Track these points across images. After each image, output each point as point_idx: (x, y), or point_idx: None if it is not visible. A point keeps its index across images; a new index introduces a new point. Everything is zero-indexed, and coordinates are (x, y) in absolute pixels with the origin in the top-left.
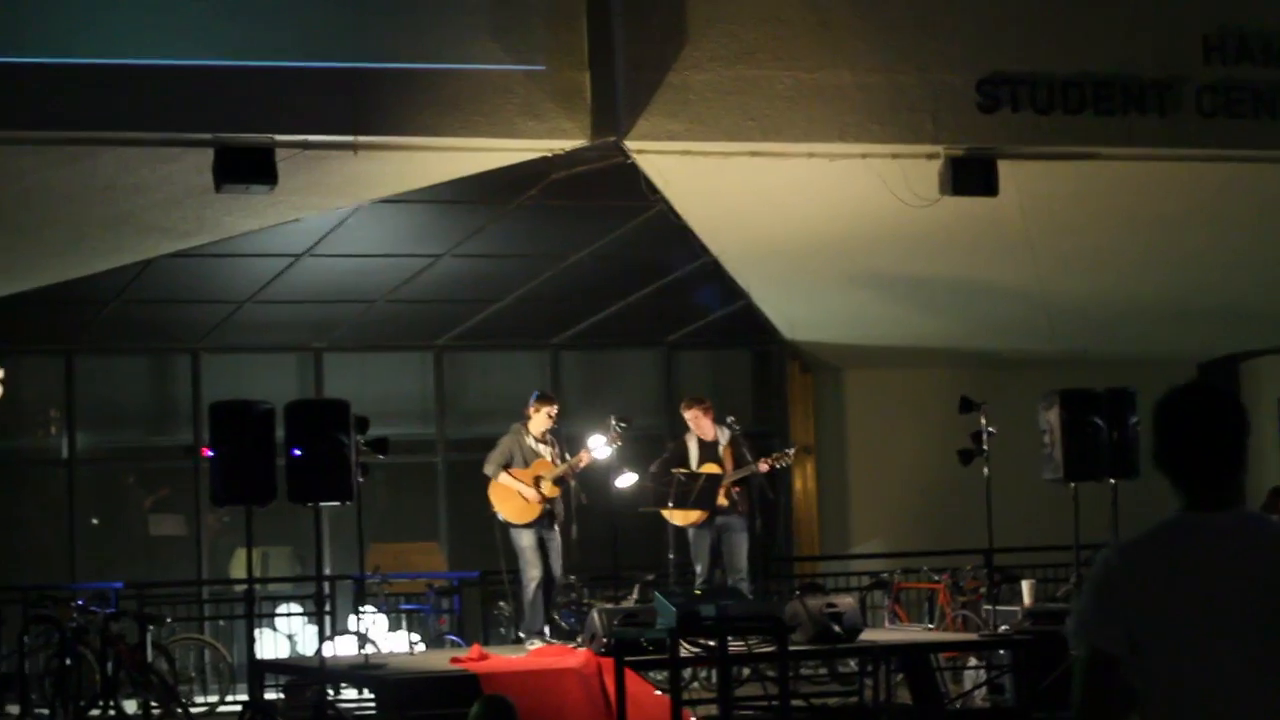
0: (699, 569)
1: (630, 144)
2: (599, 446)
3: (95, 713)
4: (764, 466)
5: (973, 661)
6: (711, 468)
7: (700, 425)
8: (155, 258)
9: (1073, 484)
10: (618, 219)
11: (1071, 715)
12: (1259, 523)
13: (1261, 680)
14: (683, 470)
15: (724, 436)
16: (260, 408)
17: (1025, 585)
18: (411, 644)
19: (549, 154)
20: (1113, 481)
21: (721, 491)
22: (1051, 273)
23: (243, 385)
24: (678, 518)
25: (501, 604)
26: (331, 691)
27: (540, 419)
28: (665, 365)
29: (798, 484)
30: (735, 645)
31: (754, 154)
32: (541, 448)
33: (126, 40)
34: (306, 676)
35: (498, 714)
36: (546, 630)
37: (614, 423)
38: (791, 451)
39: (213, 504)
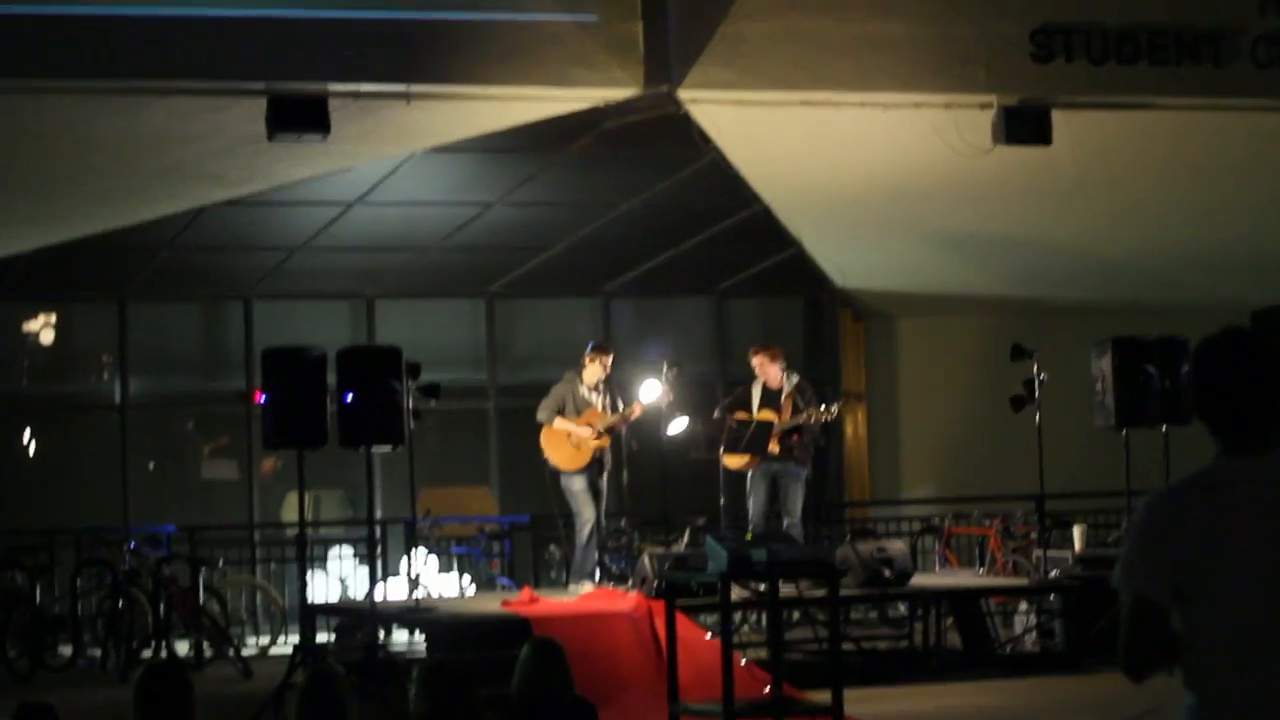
0: (751, 512)
1: (683, 93)
2: (651, 394)
3: (147, 654)
4: (808, 418)
5: (1023, 606)
6: (767, 414)
7: (766, 372)
8: (208, 206)
9: (1124, 431)
10: (670, 168)
11: (1119, 662)
12: None
13: None
14: (735, 417)
15: (789, 384)
16: (313, 353)
17: (1076, 530)
18: (462, 587)
19: (602, 104)
20: (1164, 428)
21: (774, 439)
22: (1105, 222)
23: (295, 332)
24: (731, 462)
25: (552, 547)
26: (382, 634)
27: (594, 369)
28: (716, 313)
29: (849, 430)
30: (786, 589)
31: (806, 103)
32: (594, 396)
33: None
34: (357, 619)
35: (547, 656)
36: (596, 574)
37: (666, 369)
38: (835, 407)
39: (265, 448)
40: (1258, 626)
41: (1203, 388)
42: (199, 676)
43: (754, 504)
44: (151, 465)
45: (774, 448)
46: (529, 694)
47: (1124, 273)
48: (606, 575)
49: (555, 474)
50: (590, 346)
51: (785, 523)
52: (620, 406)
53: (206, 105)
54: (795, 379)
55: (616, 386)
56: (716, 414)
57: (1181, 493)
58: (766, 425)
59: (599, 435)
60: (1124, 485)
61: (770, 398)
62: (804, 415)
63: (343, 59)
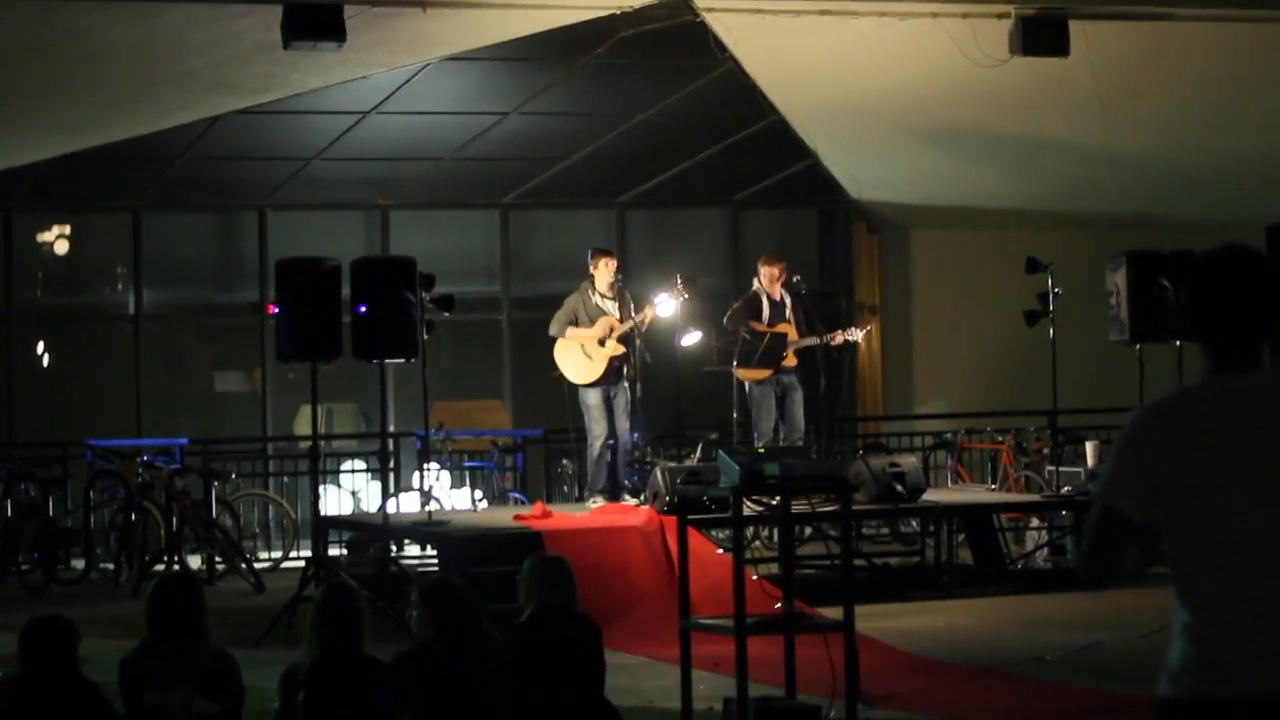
0: (762, 426)
1: (699, 2)
2: (664, 303)
3: (159, 568)
4: (839, 338)
5: (1035, 522)
6: (786, 328)
7: (775, 283)
8: (222, 114)
9: (1138, 345)
10: (685, 78)
11: (1079, 567)
12: None
13: None
14: (749, 327)
15: (789, 297)
16: (326, 264)
17: (1089, 446)
18: (475, 501)
19: (617, 11)
20: (1178, 344)
21: (790, 353)
22: (1121, 133)
23: (309, 243)
24: (746, 374)
25: (565, 462)
26: (395, 548)
27: (603, 274)
28: (731, 224)
29: (862, 344)
30: (798, 504)
31: (823, 12)
32: (607, 304)
33: None
34: (370, 533)
35: (548, 572)
36: (620, 490)
37: (679, 280)
38: (862, 334)
39: (278, 360)
40: (1256, 544)
41: (1197, 303)
42: (211, 590)
43: (765, 417)
44: (165, 377)
45: (790, 360)
46: (532, 610)
47: (1140, 185)
48: (621, 489)
49: (574, 388)
50: (590, 252)
51: (791, 436)
52: (634, 314)
53: (222, 13)
54: (792, 292)
55: (630, 295)
56: (727, 323)
57: (1168, 410)
58: (781, 338)
59: (604, 341)
60: (1138, 400)
61: (777, 309)
62: (823, 338)
63: None
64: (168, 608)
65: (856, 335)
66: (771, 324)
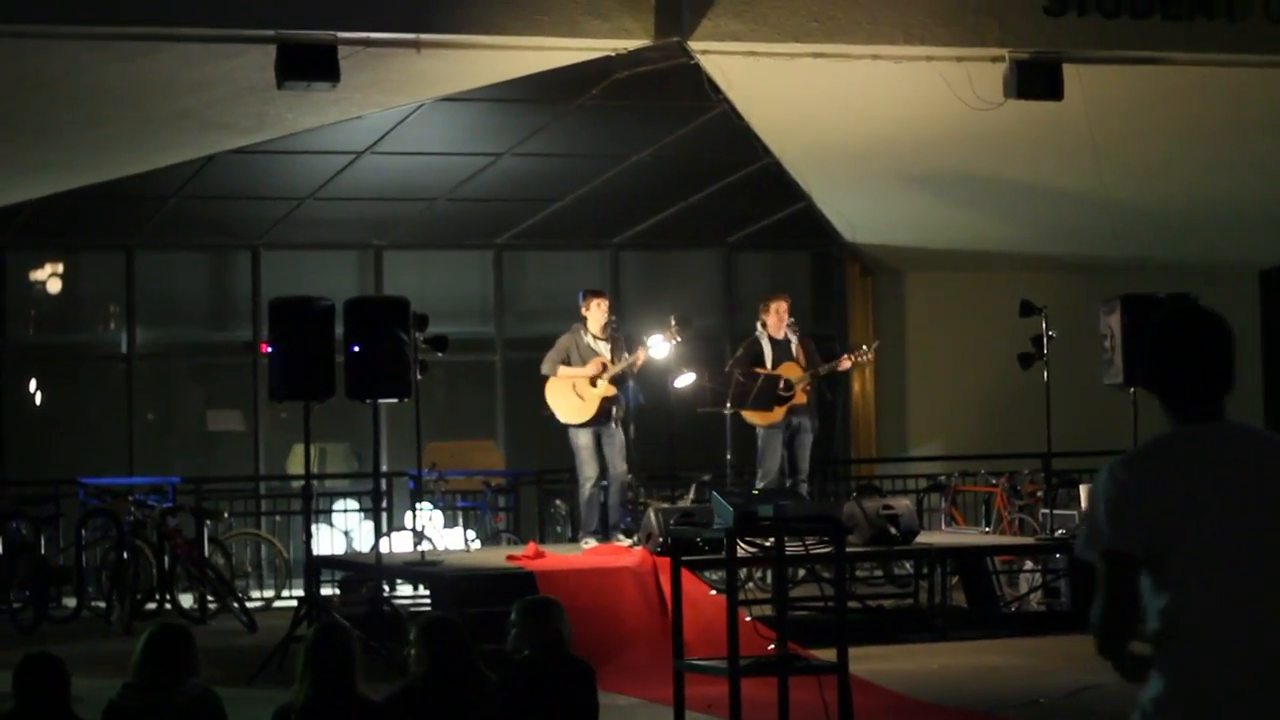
0: (764, 469)
1: (694, 44)
2: (657, 345)
3: (151, 606)
4: (846, 363)
5: (1028, 565)
6: (791, 368)
7: (781, 321)
8: (216, 154)
9: (1132, 389)
10: (680, 119)
11: (1095, 631)
12: (1254, 433)
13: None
14: (750, 373)
15: (793, 336)
16: (320, 304)
17: (1083, 489)
18: (467, 541)
19: (612, 53)
20: None
21: (800, 389)
22: (1115, 178)
23: (302, 282)
24: (754, 418)
25: (558, 502)
26: (387, 588)
27: (596, 315)
28: (725, 266)
29: (856, 386)
30: (792, 546)
31: (818, 55)
32: (600, 345)
33: None
34: (362, 573)
35: (536, 617)
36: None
37: (672, 323)
38: (870, 351)
39: (271, 399)
40: (1242, 594)
41: (1159, 360)
42: (203, 629)
43: (770, 456)
44: (157, 416)
45: (799, 398)
46: (526, 651)
47: (1134, 229)
48: (615, 530)
49: (565, 428)
50: (581, 293)
51: (793, 479)
52: (626, 355)
53: (216, 53)
54: (794, 332)
55: (622, 336)
56: (729, 369)
57: (1146, 459)
58: (774, 379)
59: (596, 381)
60: (1132, 444)
61: (781, 349)
62: (836, 362)
63: (353, 7)
64: (159, 657)
65: (866, 354)
66: (775, 365)
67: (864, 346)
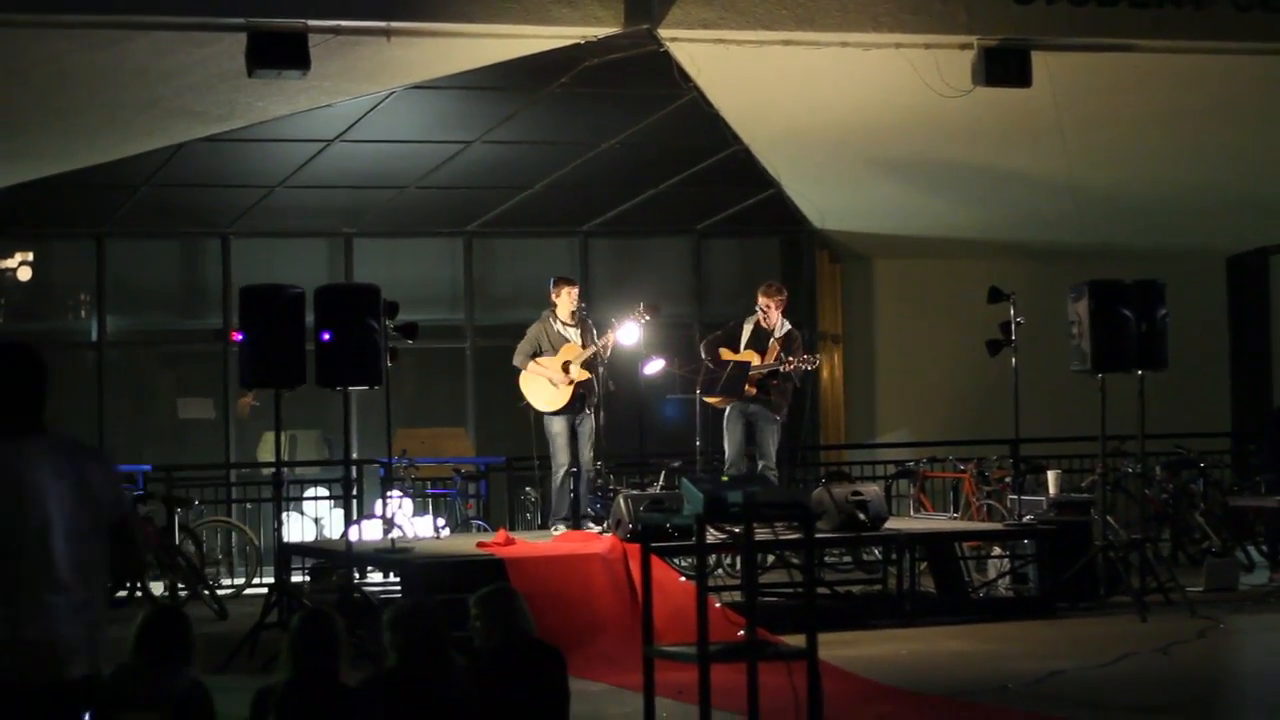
0: (728, 453)
1: (663, 32)
2: (626, 329)
3: (122, 594)
4: (786, 367)
5: (996, 551)
6: (750, 355)
7: (771, 314)
8: (187, 142)
9: (1100, 375)
10: (649, 107)
11: None
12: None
13: None
14: (721, 354)
15: (781, 330)
16: (290, 291)
17: (1050, 475)
18: (437, 528)
19: (581, 41)
20: (1140, 373)
21: (750, 382)
22: (1083, 164)
23: (273, 270)
24: (712, 400)
25: (528, 489)
26: (357, 575)
27: (565, 301)
28: (695, 253)
29: (825, 373)
30: (761, 532)
31: (787, 43)
32: (570, 331)
33: None
34: (333, 560)
35: (495, 608)
36: (581, 517)
37: (641, 309)
38: (816, 358)
39: (242, 387)
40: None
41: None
42: None
43: (730, 444)
44: (128, 404)
45: (750, 389)
46: (496, 638)
47: (1102, 216)
48: (584, 517)
49: (539, 416)
50: (552, 281)
51: (760, 465)
52: (596, 340)
53: (186, 40)
54: (787, 327)
55: (592, 322)
56: (702, 348)
57: None
58: (743, 366)
59: (569, 373)
60: (1099, 430)
61: (760, 339)
62: (785, 363)
63: None
64: (156, 638)
65: (811, 361)
66: (749, 349)
67: (809, 357)
